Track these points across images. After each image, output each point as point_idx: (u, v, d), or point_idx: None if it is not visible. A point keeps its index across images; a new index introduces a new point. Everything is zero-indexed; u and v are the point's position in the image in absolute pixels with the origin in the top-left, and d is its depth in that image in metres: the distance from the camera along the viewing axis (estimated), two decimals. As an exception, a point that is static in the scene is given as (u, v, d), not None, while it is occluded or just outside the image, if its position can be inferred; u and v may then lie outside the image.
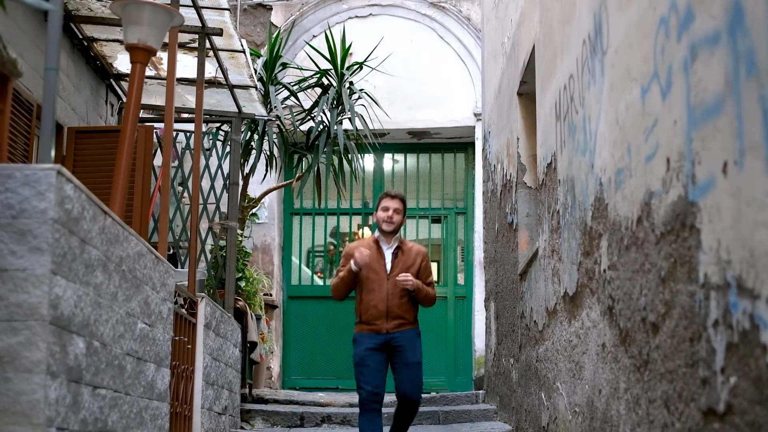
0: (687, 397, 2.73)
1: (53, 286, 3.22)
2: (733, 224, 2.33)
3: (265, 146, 9.28)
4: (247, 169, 9.28)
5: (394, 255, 6.10)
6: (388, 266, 6.07)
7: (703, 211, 2.58)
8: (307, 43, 10.66)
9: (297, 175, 9.78)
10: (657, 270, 3.08)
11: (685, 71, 2.77)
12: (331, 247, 12.11)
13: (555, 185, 5.19)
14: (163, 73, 7.44)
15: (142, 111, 7.33)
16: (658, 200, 3.07)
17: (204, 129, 8.23)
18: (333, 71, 9.59)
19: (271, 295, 10.53)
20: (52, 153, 3.64)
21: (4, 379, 3.12)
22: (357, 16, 11.36)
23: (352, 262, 5.99)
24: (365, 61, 9.79)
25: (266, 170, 9.56)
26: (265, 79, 9.19)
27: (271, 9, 11.36)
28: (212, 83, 7.67)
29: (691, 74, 2.71)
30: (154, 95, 7.89)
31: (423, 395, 9.28)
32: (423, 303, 6.11)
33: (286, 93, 9.60)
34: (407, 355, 5.99)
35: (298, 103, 9.70)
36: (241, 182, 8.77)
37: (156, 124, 7.64)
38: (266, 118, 8.69)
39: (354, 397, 7.23)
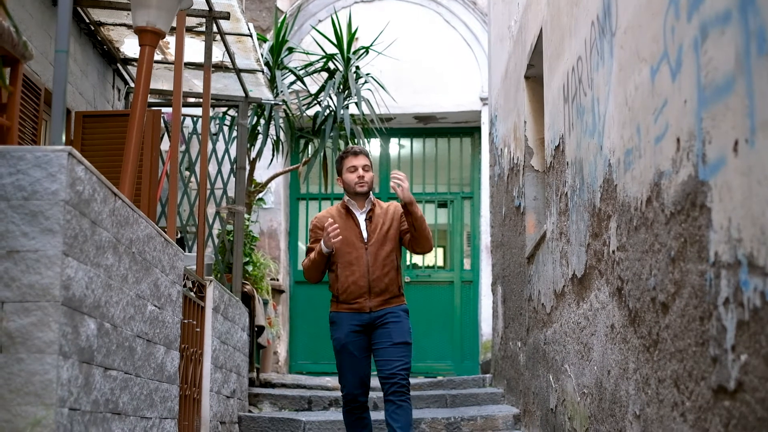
0: (697, 376, 2.74)
1: (65, 267, 3.24)
2: (743, 202, 2.34)
3: (272, 131, 9.28)
4: (253, 154, 9.29)
5: (369, 219, 5.40)
6: (364, 234, 5.36)
7: (713, 190, 2.58)
8: (314, 27, 10.64)
9: (303, 159, 9.78)
10: (667, 250, 3.08)
11: (696, 51, 2.77)
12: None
13: (563, 168, 5.19)
14: (171, 58, 7.44)
15: (149, 95, 7.34)
16: (668, 180, 3.07)
17: (211, 114, 8.24)
18: (339, 56, 9.58)
19: (277, 279, 10.56)
20: (63, 135, 3.65)
21: (16, 360, 3.15)
22: (363, 1, 11.34)
23: (322, 242, 5.25)
24: (371, 45, 9.77)
25: (273, 155, 9.56)
26: (271, 63, 9.18)
27: (277, -6, 11.35)
28: (219, 67, 7.67)
29: (701, 54, 2.71)
30: (161, 80, 7.89)
31: (430, 379, 9.39)
32: (420, 234, 5.28)
33: (292, 78, 9.59)
34: (393, 334, 5.28)
35: (304, 87, 9.70)
36: (247, 167, 8.77)
37: (163, 109, 7.65)
38: (273, 102, 8.69)
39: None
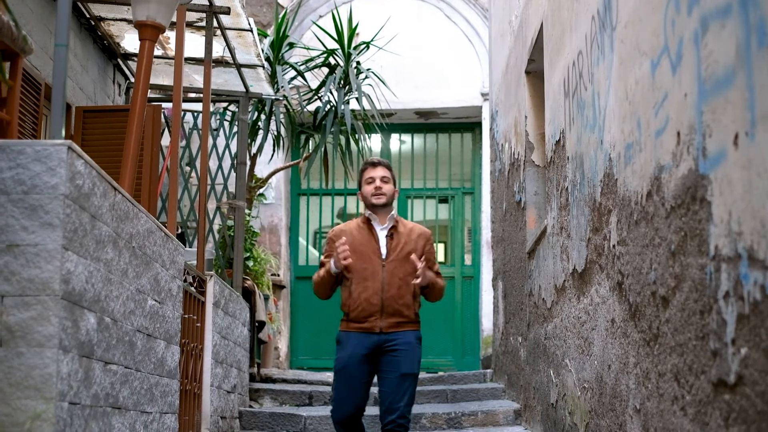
0: (697, 370, 2.74)
1: (65, 261, 3.24)
2: (744, 195, 2.33)
3: (273, 126, 9.28)
4: (254, 149, 9.29)
5: (390, 236, 5.06)
6: (383, 250, 5.01)
7: (713, 183, 2.58)
8: (314, 22, 10.64)
9: (304, 155, 9.78)
10: (667, 244, 3.08)
11: (696, 44, 2.76)
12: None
13: (563, 162, 5.19)
14: (171, 53, 7.44)
15: (149, 91, 7.33)
16: (668, 174, 3.07)
17: (211, 109, 8.23)
18: (340, 51, 9.57)
19: (278, 275, 10.56)
20: (63, 130, 3.64)
21: (16, 354, 3.14)
22: (364, -5, 11.34)
23: (332, 262, 4.94)
24: (372, 40, 9.76)
25: (273, 150, 9.56)
26: (272, 59, 9.18)
27: (278, -11, 11.33)
28: (219, 62, 7.67)
29: (701, 47, 2.71)
30: (161, 75, 7.88)
31: (431, 374, 9.40)
32: (431, 299, 5.19)
33: (293, 73, 9.59)
34: (402, 364, 4.91)
35: (305, 83, 9.69)
36: (248, 162, 8.77)
37: (163, 104, 7.65)
38: (273, 97, 8.68)
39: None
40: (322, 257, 5.14)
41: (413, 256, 4.91)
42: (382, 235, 5.05)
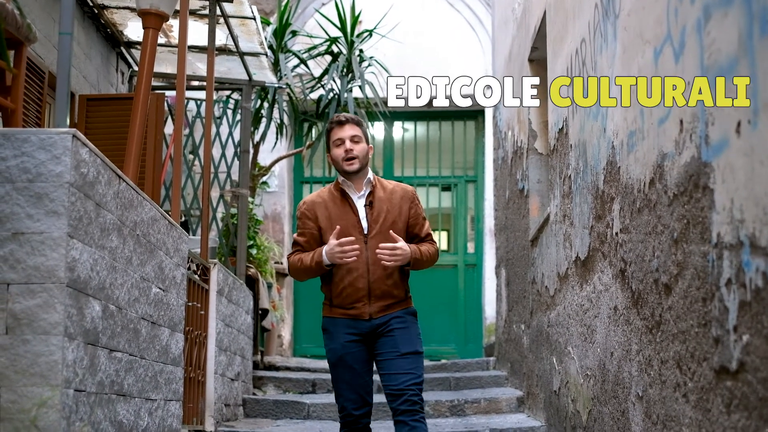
0: (699, 357, 2.75)
1: (70, 249, 3.25)
2: (746, 183, 2.34)
3: (276, 114, 9.28)
4: (257, 138, 9.29)
5: (369, 205, 4.28)
6: (364, 223, 4.25)
7: (716, 171, 2.59)
8: (317, 10, 10.63)
9: (307, 143, 9.79)
10: (670, 231, 3.09)
11: (699, 32, 2.77)
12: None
13: (566, 150, 5.19)
14: (174, 41, 7.44)
15: (153, 79, 7.33)
16: (671, 162, 3.07)
17: (214, 97, 8.24)
18: (343, 39, 9.57)
19: (281, 263, 10.58)
20: (67, 118, 3.66)
21: (22, 341, 3.16)
22: (367, -16, 11.32)
23: (324, 253, 4.16)
24: (375, 28, 9.76)
25: (276, 138, 9.57)
26: (275, 47, 9.17)
27: (281, -23, 11.32)
28: (223, 51, 7.67)
29: (704, 35, 2.71)
30: (164, 63, 7.88)
31: (434, 362, 9.42)
32: (423, 267, 4.35)
33: (296, 61, 9.59)
34: (400, 343, 4.21)
35: (308, 71, 9.69)
36: (251, 150, 8.77)
37: (167, 92, 7.65)
38: (276, 85, 8.68)
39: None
40: (296, 235, 4.39)
41: (392, 233, 4.19)
42: (360, 204, 4.29)
